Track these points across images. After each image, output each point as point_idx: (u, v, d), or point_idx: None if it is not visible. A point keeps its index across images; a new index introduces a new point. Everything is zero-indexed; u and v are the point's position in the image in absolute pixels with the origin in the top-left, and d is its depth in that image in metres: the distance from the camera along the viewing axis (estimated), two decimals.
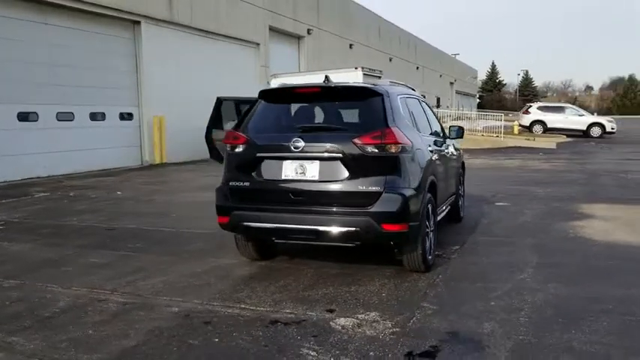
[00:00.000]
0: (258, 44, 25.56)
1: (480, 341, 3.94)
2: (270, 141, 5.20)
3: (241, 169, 5.29)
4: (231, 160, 5.38)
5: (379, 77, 20.08)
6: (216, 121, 7.75)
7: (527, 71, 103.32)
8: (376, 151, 4.89)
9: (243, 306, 4.72)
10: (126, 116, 18.49)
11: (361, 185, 4.89)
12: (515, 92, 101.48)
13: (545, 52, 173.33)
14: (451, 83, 66.97)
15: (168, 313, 4.57)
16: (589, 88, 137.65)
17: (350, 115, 5.29)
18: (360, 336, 4.04)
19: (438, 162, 6.10)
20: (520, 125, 32.17)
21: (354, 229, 4.87)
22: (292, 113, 5.46)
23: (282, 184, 5.11)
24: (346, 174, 4.92)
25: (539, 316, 4.39)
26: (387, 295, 4.94)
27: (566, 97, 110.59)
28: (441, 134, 7.07)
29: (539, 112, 32.44)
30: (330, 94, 5.40)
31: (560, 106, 34.28)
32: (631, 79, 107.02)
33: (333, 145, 4.96)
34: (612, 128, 31.51)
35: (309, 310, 4.58)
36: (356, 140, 4.90)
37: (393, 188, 4.87)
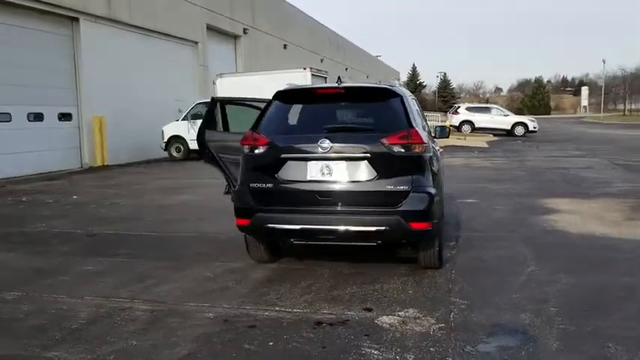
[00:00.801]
0: (196, 43, 25.07)
1: (526, 332, 4.11)
2: (295, 142, 5.16)
3: (263, 170, 5.23)
4: (251, 161, 5.30)
5: (325, 78, 20.26)
6: (209, 122, 7.53)
7: (445, 73, 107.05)
8: (402, 151, 4.98)
9: (277, 308, 4.67)
10: (65, 117, 17.66)
11: (389, 185, 4.96)
12: (435, 93, 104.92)
13: (462, 55, 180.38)
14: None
15: (205, 319, 4.45)
16: (499, 89, 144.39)
17: (372, 116, 5.33)
18: (411, 333, 4.11)
19: (439, 161, 6.28)
20: (450, 125, 33.33)
21: (383, 228, 4.94)
22: (314, 114, 5.44)
23: (308, 185, 5.10)
24: (374, 174, 4.98)
25: (567, 305, 4.62)
26: (414, 292, 5.04)
27: (477, 98, 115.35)
28: (431, 134, 7.26)
29: (468, 112, 33.79)
30: (351, 95, 5.44)
31: (487, 107, 35.91)
32: (537, 80, 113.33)
33: (360, 145, 5.01)
34: (534, 127, 33.32)
35: (347, 310, 4.60)
36: (384, 140, 4.96)
37: (419, 187, 4.98)
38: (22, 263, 6.28)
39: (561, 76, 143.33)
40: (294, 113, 5.51)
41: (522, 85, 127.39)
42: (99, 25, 18.63)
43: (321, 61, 45.03)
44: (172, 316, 4.54)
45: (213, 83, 20.00)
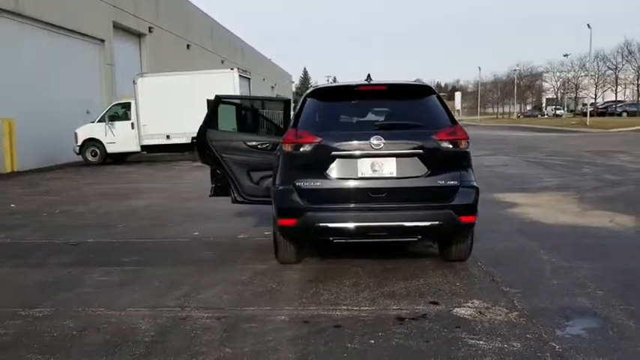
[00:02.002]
0: (103, 41, 23.82)
1: (596, 314, 4.38)
2: (346, 139, 5.10)
3: (311, 168, 5.12)
4: (296, 159, 5.17)
5: (249, 79, 20.04)
6: (211, 121, 7.19)
7: (334, 77, 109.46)
8: (450, 147, 5.11)
9: (345, 307, 4.61)
10: None
11: (440, 180, 5.06)
12: None
13: (352, 59, 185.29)
14: (272, 87, 68.40)
15: (281, 322, 4.30)
16: None
17: (416, 113, 5.36)
18: (497, 322, 4.23)
19: None
20: None
21: (436, 222, 5.04)
22: (359, 111, 5.41)
23: (359, 182, 5.07)
24: (425, 170, 5.05)
25: (608, 288, 4.95)
26: (461, 284, 5.18)
27: None
28: None
29: None
30: (392, 92, 5.47)
31: None
32: (438, 84, 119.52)
33: (412, 141, 5.07)
34: None
35: (415, 305, 4.63)
36: (434, 136, 5.06)
37: (467, 182, 5.13)
38: (22, 277, 5.68)
39: (436, 82, 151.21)
40: (336, 110, 5.44)
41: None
42: (5, 21, 17.12)
43: (222, 62, 44.37)
44: (244, 321, 4.33)
45: (134, 83, 19.06)
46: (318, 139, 5.08)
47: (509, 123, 65.74)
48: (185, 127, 18.66)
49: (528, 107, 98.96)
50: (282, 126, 7.16)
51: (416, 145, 5.06)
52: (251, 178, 6.72)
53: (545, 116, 77.54)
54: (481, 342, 3.87)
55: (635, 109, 55.14)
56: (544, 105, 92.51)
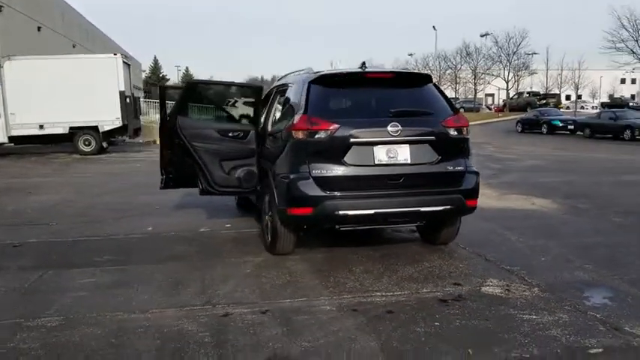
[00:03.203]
0: None
1: (602, 284, 4.87)
2: (363, 126, 5.06)
3: (327, 156, 5.02)
4: (309, 147, 5.03)
5: (129, 65, 18.91)
6: (182, 108, 6.59)
7: (187, 67, 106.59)
8: (456, 133, 5.30)
9: (379, 293, 4.62)
10: None
11: (450, 166, 5.24)
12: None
13: (199, 50, 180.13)
14: None
15: (331, 312, 4.22)
16: None
17: (422, 100, 5.40)
18: (530, 298, 4.50)
19: None
20: None
21: (448, 207, 5.22)
22: (369, 98, 5.36)
23: (376, 169, 5.08)
24: (437, 156, 5.20)
25: (590, 262, 5.45)
26: (465, 265, 5.43)
27: None
28: None
29: (245, 107, 34.45)
30: (398, 80, 5.52)
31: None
32: (262, 79, 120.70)
33: (425, 128, 5.18)
34: None
35: (443, 287, 4.77)
36: (443, 123, 5.22)
37: (470, 167, 5.37)
38: None
39: (280, 75, 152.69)
40: (345, 97, 5.37)
41: (252, 81, 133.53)
42: None
43: (74, 46, 41.17)
44: (291, 313, 4.18)
45: (0, 66, 17.02)
46: (335, 126, 5.00)
47: None
48: (61, 116, 17.21)
49: None
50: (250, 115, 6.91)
51: (428, 132, 5.19)
52: (222, 168, 6.41)
53: None
54: (533, 316, 4.10)
55: (472, 106, 60.30)
56: None
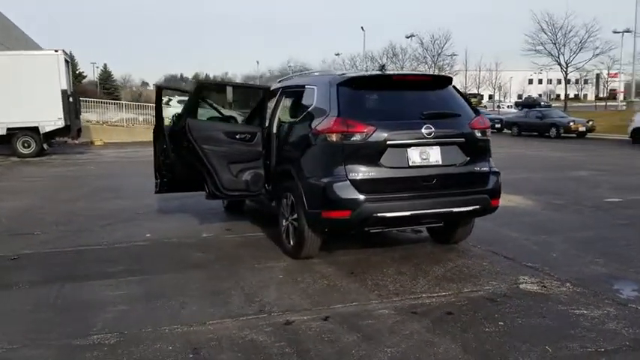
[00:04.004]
0: None
1: (624, 277, 5.14)
2: (399, 128, 5.08)
3: (363, 158, 5.00)
4: (345, 149, 4.99)
5: (69, 62, 18.03)
6: (192, 110, 6.28)
7: (105, 64, 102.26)
8: (480, 135, 5.44)
9: (426, 295, 4.66)
10: None
11: (476, 167, 5.37)
12: (97, 85, 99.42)
13: (119, 47, 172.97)
14: None
15: (392, 315, 4.22)
16: (145, 83, 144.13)
17: (447, 102, 5.45)
18: (570, 293, 4.68)
19: None
20: (153, 116, 32.60)
21: (478, 207, 5.35)
22: (399, 100, 5.36)
23: (411, 171, 5.12)
24: (465, 157, 5.31)
25: (601, 256, 5.75)
26: (489, 264, 5.55)
27: (125, 90, 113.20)
28: None
29: (180, 105, 33.66)
30: (423, 82, 5.57)
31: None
32: (182, 77, 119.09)
33: (455, 130, 5.27)
34: (242, 121, 35.24)
35: (483, 286, 4.89)
36: (470, 125, 5.34)
37: (493, 167, 5.53)
38: (4, 304, 4.55)
39: (204, 74, 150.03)
40: (375, 99, 5.35)
41: (169, 80, 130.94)
42: None
43: None
44: (354, 318, 4.15)
45: None
46: (372, 128, 4.99)
47: None
48: None
49: None
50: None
51: (458, 134, 5.29)
52: (230, 172, 6.25)
53: None
54: (584, 311, 4.28)
55: None
56: None
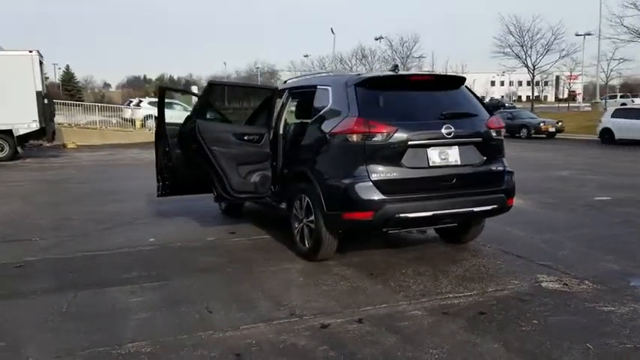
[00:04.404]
0: None
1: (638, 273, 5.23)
2: (419, 128, 5.07)
3: (385, 159, 4.98)
4: (366, 150, 4.96)
5: (42, 63, 17.57)
6: (203, 111, 6.10)
7: (68, 65, 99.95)
8: (495, 134, 5.48)
9: (453, 295, 4.67)
10: None
11: (493, 166, 5.41)
12: (59, 87, 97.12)
13: (81, 47, 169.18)
14: None
15: (425, 317, 4.21)
16: (107, 85, 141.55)
17: (462, 102, 5.47)
18: (592, 290, 4.75)
19: None
20: (123, 118, 32.05)
21: (495, 206, 5.38)
22: (415, 100, 5.35)
23: (431, 171, 5.12)
24: (482, 157, 5.34)
25: (607, 253, 5.84)
26: (504, 263, 5.59)
27: (86, 92, 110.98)
28: None
29: (151, 107, 33.14)
30: (438, 83, 5.58)
31: (169, 102, 35.83)
32: (145, 78, 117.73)
33: (473, 130, 5.30)
34: None
35: (505, 285, 4.92)
36: (487, 125, 5.37)
37: (507, 167, 5.58)
38: (22, 313, 4.38)
39: (169, 75, 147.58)
40: (393, 99, 5.30)
41: (132, 82, 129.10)
42: None
43: None
44: (388, 319, 4.13)
45: None
46: (394, 128, 4.97)
47: None
48: None
49: None
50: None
51: (475, 133, 5.32)
52: (239, 173, 6.17)
53: None
54: (612, 308, 4.34)
55: None
56: None
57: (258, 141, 6.27)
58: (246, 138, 6.27)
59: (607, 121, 23.27)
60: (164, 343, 3.74)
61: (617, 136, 22.33)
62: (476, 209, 5.28)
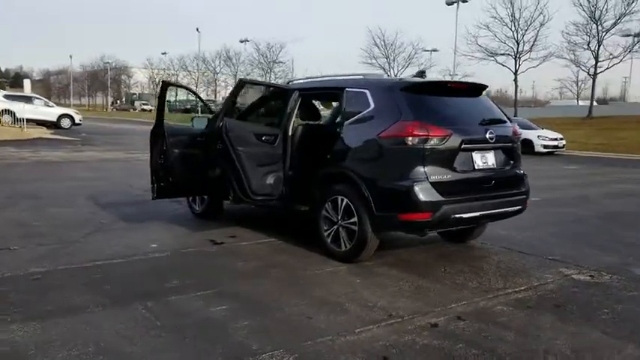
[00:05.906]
0: None
1: None
2: (469, 133, 5.31)
3: (440, 161, 5.15)
4: (424, 153, 5.08)
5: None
6: (230, 109, 5.56)
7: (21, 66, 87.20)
8: (516, 139, 5.92)
9: (510, 290, 4.95)
10: None
11: (518, 170, 5.84)
12: None
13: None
14: None
15: (515, 311, 4.43)
16: None
17: (490, 109, 5.82)
18: (618, 281, 5.30)
19: None
20: None
21: (520, 207, 5.82)
22: (456, 106, 5.56)
23: (477, 174, 5.41)
24: (511, 160, 5.74)
25: (608, 248, 6.52)
26: (521, 260, 5.97)
27: None
28: None
29: (8, 100, 30.05)
30: (469, 89, 5.85)
31: (29, 96, 32.77)
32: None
33: (507, 135, 5.69)
34: (80, 120, 32.73)
35: (538, 281, 5.25)
36: (514, 131, 5.79)
37: (524, 171, 6.03)
38: (95, 331, 3.89)
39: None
40: (439, 105, 5.45)
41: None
42: None
43: None
44: (484, 316, 4.30)
45: None
46: (449, 132, 5.16)
47: (113, 116, 65.45)
48: None
49: (121, 101, 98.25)
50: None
51: (508, 139, 5.71)
52: (259, 175, 6.02)
53: (137, 110, 79.99)
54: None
55: None
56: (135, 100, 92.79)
57: (272, 142, 6.15)
58: (263, 138, 6.11)
59: None
60: (301, 350, 3.58)
61: None
62: (510, 209, 5.66)
